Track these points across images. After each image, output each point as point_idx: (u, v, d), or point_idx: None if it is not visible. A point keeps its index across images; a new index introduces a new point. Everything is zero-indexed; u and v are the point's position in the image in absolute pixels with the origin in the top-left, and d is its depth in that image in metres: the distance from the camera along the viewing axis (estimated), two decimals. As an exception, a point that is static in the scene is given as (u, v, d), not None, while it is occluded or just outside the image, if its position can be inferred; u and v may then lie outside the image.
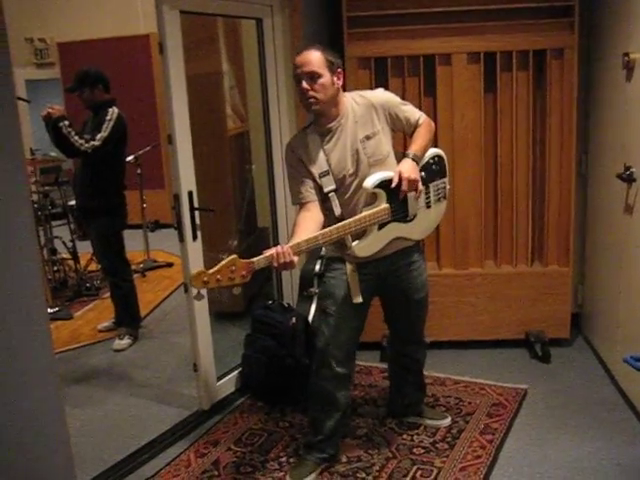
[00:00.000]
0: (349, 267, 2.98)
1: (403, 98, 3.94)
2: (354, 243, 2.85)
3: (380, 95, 3.00)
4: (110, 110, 4.54)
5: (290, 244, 2.61)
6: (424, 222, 3.04)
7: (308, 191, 2.86)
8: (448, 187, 3.15)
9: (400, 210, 2.90)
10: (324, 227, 2.75)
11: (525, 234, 4.26)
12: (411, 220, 2.96)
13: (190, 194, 3.46)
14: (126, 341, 4.78)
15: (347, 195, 2.89)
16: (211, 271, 2.41)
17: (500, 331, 4.33)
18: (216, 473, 3.20)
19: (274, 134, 4.20)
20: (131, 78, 8.21)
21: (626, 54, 3.49)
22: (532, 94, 4.08)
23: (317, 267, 4.07)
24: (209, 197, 3.88)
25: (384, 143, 2.92)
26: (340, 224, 2.73)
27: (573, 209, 4.16)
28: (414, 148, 2.93)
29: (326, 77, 2.76)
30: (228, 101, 5.02)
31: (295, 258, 2.59)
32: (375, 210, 2.82)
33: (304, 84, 2.76)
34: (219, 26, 4.81)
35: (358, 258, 2.92)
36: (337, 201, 2.88)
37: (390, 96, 3.03)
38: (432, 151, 3.06)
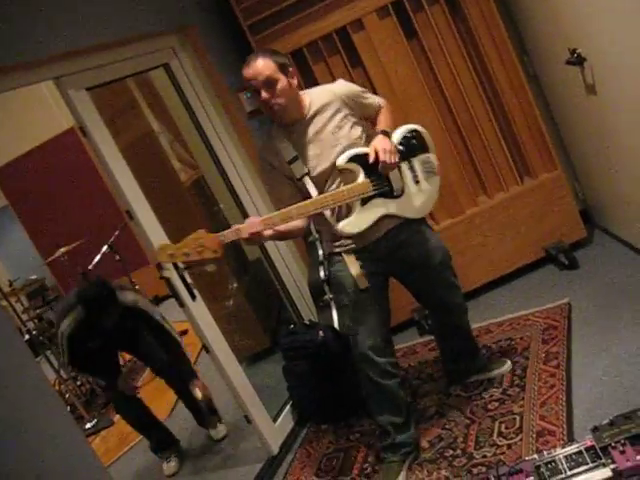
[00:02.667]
0: (347, 258, 2.89)
1: (332, 79, 3.90)
2: (341, 223, 2.79)
3: (342, 86, 2.95)
4: None
5: (262, 218, 2.60)
6: (417, 199, 2.95)
7: (287, 194, 2.80)
8: (436, 162, 3.06)
9: (382, 184, 2.83)
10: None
11: (503, 156, 4.15)
12: (399, 196, 2.88)
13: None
14: (222, 427, 4.33)
15: (327, 185, 2.82)
16: (177, 245, 2.42)
17: (520, 258, 4.22)
18: (311, 511, 3.10)
19: (228, 167, 4.12)
20: (75, 173, 8.13)
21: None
22: (453, 22, 3.97)
23: (322, 273, 3.97)
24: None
25: (355, 129, 2.87)
26: (316, 197, 2.70)
27: (538, 113, 4.06)
28: (381, 126, 2.95)
29: (282, 81, 2.69)
30: (173, 155, 4.94)
31: (267, 231, 2.59)
32: (353, 185, 2.76)
33: (263, 94, 2.67)
34: (133, 88, 4.72)
35: (349, 238, 2.86)
36: (311, 183, 2.80)
37: (351, 86, 2.98)
38: (408, 126, 3.02)
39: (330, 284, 3.34)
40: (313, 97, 2.86)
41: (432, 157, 3.05)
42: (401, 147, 2.91)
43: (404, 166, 2.91)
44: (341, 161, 2.78)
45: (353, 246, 2.88)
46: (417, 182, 2.95)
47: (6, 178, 8.49)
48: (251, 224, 2.56)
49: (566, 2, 3.37)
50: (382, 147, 2.77)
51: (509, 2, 4.13)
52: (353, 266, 2.89)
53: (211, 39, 4.08)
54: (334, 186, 2.81)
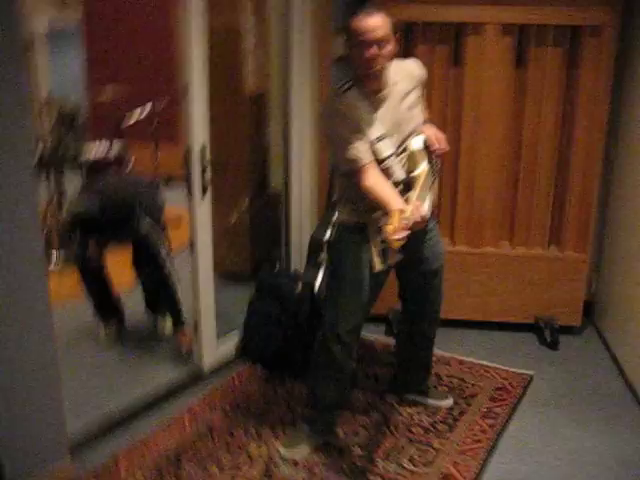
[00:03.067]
0: (373, 234, 2.79)
1: (431, 66, 3.85)
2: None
3: (420, 67, 2.93)
4: None
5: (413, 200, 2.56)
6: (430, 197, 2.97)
7: (368, 151, 2.69)
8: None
9: (433, 173, 2.91)
10: None
11: (544, 217, 4.13)
12: (433, 183, 2.94)
13: (203, 148, 3.36)
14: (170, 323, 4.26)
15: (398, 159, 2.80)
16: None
17: (509, 314, 4.23)
18: (209, 436, 3.14)
19: (293, 97, 4.09)
20: (154, 25, 8.05)
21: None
22: (565, 72, 3.91)
23: (327, 234, 3.97)
24: (223, 155, 3.77)
25: (420, 113, 2.89)
26: (420, 183, 2.69)
27: (596, 195, 4.03)
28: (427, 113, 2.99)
29: (392, 44, 2.64)
30: (249, 59, 4.89)
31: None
32: (425, 171, 2.77)
33: (374, 49, 2.58)
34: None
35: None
36: (398, 165, 2.77)
37: (425, 71, 2.95)
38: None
39: (332, 250, 3.29)
40: (395, 68, 2.78)
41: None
42: None
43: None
44: (418, 146, 2.78)
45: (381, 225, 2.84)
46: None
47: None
48: (417, 207, 2.48)
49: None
50: (440, 136, 2.86)
51: (624, 83, 4.05)
52: (377, 246, 2.85)
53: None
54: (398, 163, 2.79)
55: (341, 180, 2.95)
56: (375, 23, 2.58)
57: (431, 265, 3.07)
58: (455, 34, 3.90)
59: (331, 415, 3.12)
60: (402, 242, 2.30)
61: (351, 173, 2.71)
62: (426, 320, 3.27)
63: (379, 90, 2.74)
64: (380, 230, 2.69)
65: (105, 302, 4.29)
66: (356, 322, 2.98)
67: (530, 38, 3.85)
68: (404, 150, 2.79)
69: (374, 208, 2.71)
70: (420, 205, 2.50)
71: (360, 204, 2.78)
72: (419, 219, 2.43)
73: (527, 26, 3.83)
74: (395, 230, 2.28)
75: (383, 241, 2.50)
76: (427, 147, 2.83)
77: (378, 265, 2.73)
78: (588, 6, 3.73)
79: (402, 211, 2.37)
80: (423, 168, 2.77)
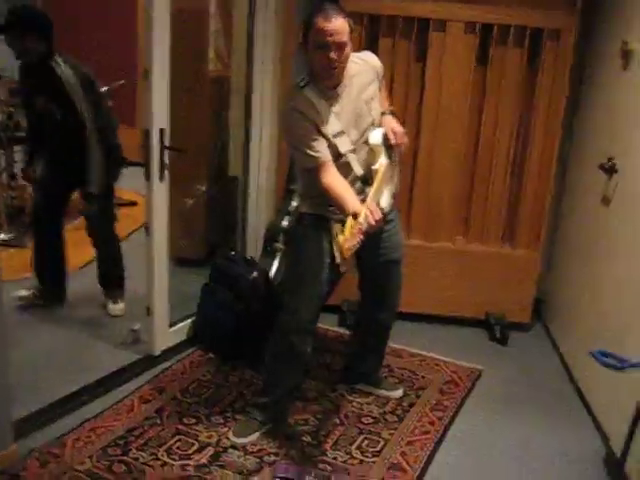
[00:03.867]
0: (336, 226, 2.74)
1: (393, 61, 3.89)
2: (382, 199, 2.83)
3: (376, 60, 2.97)
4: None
5: (369, 200, 2.52)
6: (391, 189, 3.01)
7: (326, 149, 2.69)
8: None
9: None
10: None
11: (498, 214, 4.19)
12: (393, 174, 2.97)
13: (161, 132, 3.31)
14: (121, 305, 4.27)
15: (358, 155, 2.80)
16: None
17: (462, 309, 4.28)
18: (158, 421, 3.12)
19: (256, 83, 4.08)
20: (116, 6, 7.93)
21: (624, 42, 3.41)
22: (524, 73, 3.96)
23: (284, 222, 3.98)
24: (181, 138, 3.72)
25: (379, 105, 2.91)
26: (379, 178, 2.68)
27: (549, 195, 4.10)
28: (385, 106, 2.99)
29: (349, 46, 2.64)
30: (212, 43, 4.84)
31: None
32: (385, 165, 2.78)
33: (333, 54, 2.58)
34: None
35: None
36: (356, 160, 2.79)
37: (381, 65, 2.99)
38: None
39: (293, 238, 3.28)
40: (352, 65, 2.79)
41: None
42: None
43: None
44: (376, 140, 2.80)
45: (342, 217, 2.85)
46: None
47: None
48: (372, 211, 2.44)
49: (625, 112, 3.39)
50: (399, 129, 2.87)
51: (583, 85, 4.12)
52: (340, 237, 2.85)
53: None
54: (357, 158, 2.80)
55: (302, 173, 2.95)
56: (336, 27, 2.57)
57: (391, 255, 3.10)
58: (418, 30, 3.92)
59: (283, 403, 3.13)
60: (353, 250, 2.31)
61: (309, 170, 2.72)
62: (386, 310, 3.29)
63: (336, 85, 2.74)
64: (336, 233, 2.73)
65: (51, 271, 4.25)
66: (316, 311, 2.99)
67: (492, 37, 3.89)
68: (363, 144, 2.81)
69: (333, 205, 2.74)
70: (375, 208, 2.46)
71: (321, 198, 2.77)
72: (373, 223, 2.42)
73: (489, 25, 3.87)
74: (346, 240, 2.28)
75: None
76: (386, 140, 2.84)
77: (339, 258, 2.73)
78: (549, 9, 3.81)
79: (356, 215, 2.38)
80: (382, 162, 2.78)
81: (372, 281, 3.24)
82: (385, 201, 2.86)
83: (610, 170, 3.43)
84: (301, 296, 2.96)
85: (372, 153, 2.82)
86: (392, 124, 2.88)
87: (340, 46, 2.59)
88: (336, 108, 2.73)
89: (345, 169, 2.75)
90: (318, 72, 2.69)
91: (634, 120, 3.28)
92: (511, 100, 4.00)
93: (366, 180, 2.79)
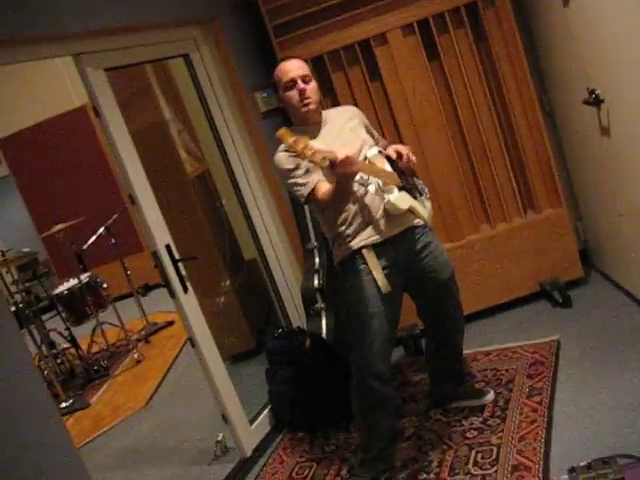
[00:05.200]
0: (369, 258, 2.85)
1: (350, 89, 3.95)
2: (391, 196, 2.84)
3: (357, 109, 3.17)
4: None
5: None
6: (424, 208, 3.03)
7: (311, 175, 2.78)
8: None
9: (406, 182, 2.97)
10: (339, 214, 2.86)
11: (510, 187, 4.16)
12: (415, 198, 2.99)
13: (168, 247, 3.34)
14: None
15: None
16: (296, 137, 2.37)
17: (514, 290, 4.21)
18: (277, 518, 3.08)
19: (235, 165, 4.10)
20: (80, 152, 8.12)
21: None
22: (476, 50, 3.98)
23: (316, 282, 3.96)
24: (188, 245, 3.76)
25: (370, 139, 3.02)
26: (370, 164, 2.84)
27: (549, 149, 4.07)
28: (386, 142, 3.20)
29: (314, 82, 2.90)
30: (180, 145, 4.92)
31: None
32: (389, 171, 2.88)
33: (300, 85, 2.83)
34: (150, 74, 4.70)
35: (382, 231, 2.87)
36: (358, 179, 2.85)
37: (362, 113, 3.16)
38: None
39: (341, 292, 3.22)
40: (333, 112, 3.07)
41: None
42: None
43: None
44: (371, 153, 2.87)
45: (376, 237, 2.85)
46: (416, 197, 3.01)
47: (11, 148, 8.47)
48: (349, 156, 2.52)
49: (588, 43, 3.38)
50: (403, 148, 2.95)
51: (535, 38, 4.13)
52: (376, 269, 2.85)
53: (233, 35, 4.06)
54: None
55: (322, 220, 2.99)
56: (293, 64, 2.88)
57: (440, 276, 3.07)
58: (362, 52, 3.96)
59: (389, 453, 3.04)
60: (323, 158, 2.38)
61: (309, 200, 2.83)
62: (452, 332, 3.27)
63: (318, 122, 2.94)
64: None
65: None
66: (387, 352, 2.97)
67: (432, 30, 3.91)
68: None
69: (359, 231, 2.85)
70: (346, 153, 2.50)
71: (346, 227, 2.86)
72: (336, 157, 2.46)
73: (425, 20, 3.90)
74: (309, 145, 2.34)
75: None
76: (393, 162, 2.92)
77: (385, 288, 2.82)
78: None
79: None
80: (388, 170, 2.88)
81: (430, 307, 3.22)
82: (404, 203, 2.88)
83: (596, 102, 3.39)
84: (369, 344, 2.91)
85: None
86: (396, 146, 3.00)
87: (305, 78, 2.85)
88: (320, 136, 2.89)
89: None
90: (295, 110, 2.90)
91: (596, 48, 3.26)
92: (476, 79, 4.01)
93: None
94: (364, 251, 2.86)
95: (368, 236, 2.86)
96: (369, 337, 2.90)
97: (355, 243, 2.87)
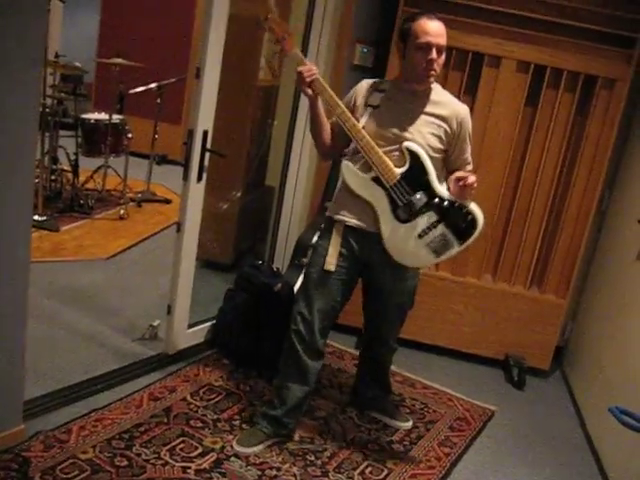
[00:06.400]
0: (335, 236, 2.88)
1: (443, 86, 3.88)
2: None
3: (466, 112, 2.92)
4: None
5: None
6: (404, 244, 2.83)
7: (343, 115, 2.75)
8: (453, 251, 2.85)
9: (403, 196, 2.77)
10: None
11: (530, 257, 4.15)
12: (402, 221, 2.79)
13: (205, 133, 3.33)
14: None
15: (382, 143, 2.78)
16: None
17: (481, 347, 4.24)
18: (165, 420, 3.11)
19: (303, 97, 4.06)
20: (174, 6, 8.07)
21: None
22: (572, 119, 3.94)
23: (315, 238, 3.96)
24: (224, 142, 3.74)
25: (436, 145, 2.82)
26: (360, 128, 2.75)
27: (584, 244, 4.06)
28: (465, 162, 2.99)
29: (444, 55, 2.74)
30: (264, 52, 4.88)
31: (310, 90, 2.71)
32: (391, 162, 2.76)
33: (434, 54, 2.67)
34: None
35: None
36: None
37: (470, 121, 2.93)
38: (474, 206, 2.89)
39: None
40: (441, 94, 2.89)
41: (456, 246, 2.85)
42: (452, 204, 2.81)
43: (431, 213, 2.80)
44: (410, 145, 2.75)
45: (353, 222, 2.86)
46: (420, 237, 2.81)
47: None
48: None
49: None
50: (474, 181, 2.75)
51: (627, 148, 4.08)
52: (334, 247, 2.88)
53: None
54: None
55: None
56: (439, 29, 2.69)
57: (395, 298, 3.06)
58: (472, 62, 3.91)
59: (292, 418, 3.10)
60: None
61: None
62: (384, 348, 3.30)
63: (415, 92, 2.80)
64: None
65: None
66: (326, 322, 2.98)
67: (544, 79, 3.87)
68: (394, 151, 2.78)
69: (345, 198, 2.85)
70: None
71: (339, 193, 2.91)
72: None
73: (542, 67, 3.85)
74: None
75: None
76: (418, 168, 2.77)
77: (328, 265, 2.85)
78: (605, 57, 3.77)
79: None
80: (393, 167, 2.75)
81: (370, 313, 3.22)
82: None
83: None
84: (309, 305, 2.94)
85: (397, 161, 2.77)
86: (473, 176, 2.77)
87: (440, 49, 2.68)
88: (396, 103, 2.81)
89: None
90: (415, 73, 2.74)
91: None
92: (557, 144, 3.98)
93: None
94: (334, 230, 2.89)
95: (346, 215, 2.87)
96: (313, 297, 2.93)
97: (336, 212, 2.91)
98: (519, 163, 4.06)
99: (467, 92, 3.97)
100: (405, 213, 2.78)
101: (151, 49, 7.77)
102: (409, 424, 3.42)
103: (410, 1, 3.85)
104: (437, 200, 2.78)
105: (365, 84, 2.91)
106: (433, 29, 2.66)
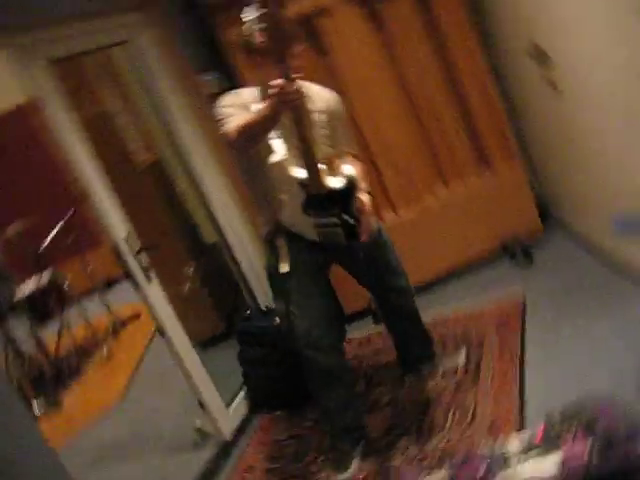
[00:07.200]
0: (280, 239, 2.89)
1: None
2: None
3: (336, 101, 3.03)
4: None
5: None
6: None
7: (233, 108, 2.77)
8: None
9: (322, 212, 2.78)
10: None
11: (462, 146, 4.16)
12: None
13: (127, 238, 3.29)
14: None
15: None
16: None
17: (476, 250, 4.24)
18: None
19: (187, 150, 4.03)
20: (27, 151, 7.94)
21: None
22: (418, 10, 3.96)
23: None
24: (147, 235, 3.69)
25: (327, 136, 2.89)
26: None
27: (500, 106, 4.09)
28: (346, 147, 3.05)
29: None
30: (129, 136, 4.83)
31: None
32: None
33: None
34: (91, 65, 4.59)
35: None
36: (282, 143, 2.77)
37: (341, 107, 3.05)
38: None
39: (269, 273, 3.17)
40: (312, 89, 2.90)
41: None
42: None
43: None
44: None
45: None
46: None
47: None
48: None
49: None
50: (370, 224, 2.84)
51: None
52: (282, 248, 2.88)
53: (174, 19, 4.00)
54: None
55: (246, 182, 2.99)
56: None
57: (377, 261, 3.10)
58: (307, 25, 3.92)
59: (352, 417, 3.05)
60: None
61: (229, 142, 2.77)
62: (400, 297, 3.27)
63: None
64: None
65: None
66: (325, 324, 2.95)
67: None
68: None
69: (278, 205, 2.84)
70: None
71: (266, 208, 2.89)
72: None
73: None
74: None
75: None
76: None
77: (282, 268, 2.82)
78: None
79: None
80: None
81: (367, 276, 3.20)
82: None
83: (542, 55, 3.39)
84: (298, 318, 2.89)
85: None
86: (369, 206, 2.84)
87: None
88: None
89: (267, 151, 2.77)
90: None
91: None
92: (420, 39, 4.00)
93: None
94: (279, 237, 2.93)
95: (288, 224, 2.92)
96: (297, 309, 2.90)
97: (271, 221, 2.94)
98: (403, 78, 4.07)
99: (319, 52, 3.98)
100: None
101: (31, 200, 7.66)
102: (462, 357, 3.42)
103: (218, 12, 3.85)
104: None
105: (232, 99, 2.87)
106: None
